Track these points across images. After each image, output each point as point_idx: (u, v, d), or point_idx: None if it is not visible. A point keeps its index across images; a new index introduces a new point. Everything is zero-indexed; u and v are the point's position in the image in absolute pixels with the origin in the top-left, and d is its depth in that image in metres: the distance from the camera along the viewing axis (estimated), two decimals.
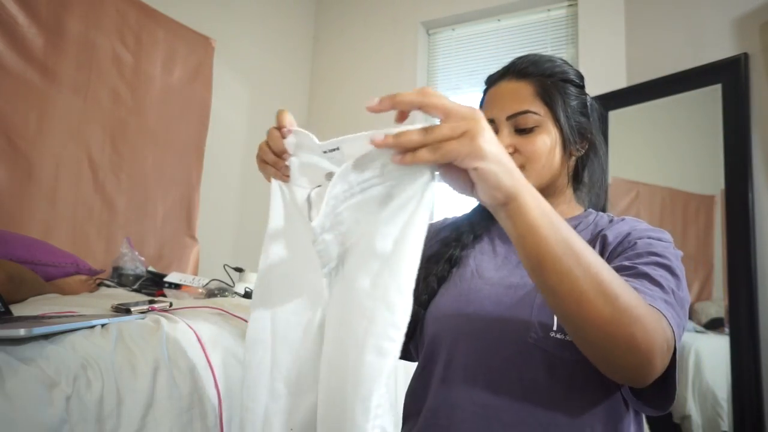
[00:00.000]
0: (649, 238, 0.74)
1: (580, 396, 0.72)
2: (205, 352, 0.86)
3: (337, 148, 0.57)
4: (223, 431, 0.84)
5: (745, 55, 1.89)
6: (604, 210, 0.90)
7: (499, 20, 2.69)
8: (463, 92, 2.76)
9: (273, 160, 0.64)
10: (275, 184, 0.66)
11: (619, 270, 0.69)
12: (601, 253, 0.77)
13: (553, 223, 0.55)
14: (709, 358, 1.89)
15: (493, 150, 0.51)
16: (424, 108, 0.51)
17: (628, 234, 0.76)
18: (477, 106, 0.90)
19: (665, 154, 2.21)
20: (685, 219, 2.08)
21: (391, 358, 0.52)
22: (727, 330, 1.81)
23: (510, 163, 0.53)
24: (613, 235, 0.77)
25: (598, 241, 0.78)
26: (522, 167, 0.81)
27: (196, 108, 2.38)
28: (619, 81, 2.27)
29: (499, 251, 0.86)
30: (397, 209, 0.55)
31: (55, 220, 1.82)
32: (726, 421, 1.79)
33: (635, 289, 0.62)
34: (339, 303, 0.61)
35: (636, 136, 2.23)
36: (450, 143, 0.49)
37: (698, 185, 2.08)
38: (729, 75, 1.91)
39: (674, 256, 0.71)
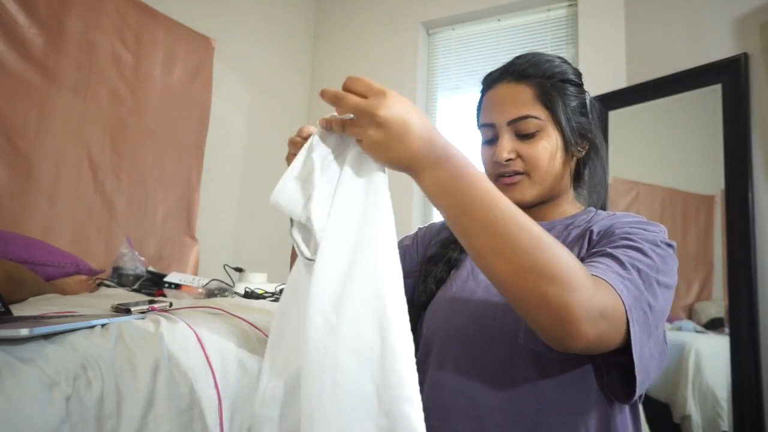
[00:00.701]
0: (631, 227, 0.73)
1: (571, 395, 0.72)
2: (204, 352, 0.86)
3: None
4: (223, 431, 0.84)
5: (745, 55, 1.89)
6: (604, 208, 0.90)
7: (499, 20, 2.69)
8: (462, 92, 2.76)
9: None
10: None
11: (590, 256, 0.69)
12: (588, 247, 0.77)
13: (448, 192, 0.58)
14: (709, 358, 1.89)
15: (383, 156, 0.58)
16: (339, 108, 0.57)
17: (611, 226, 0.76)
18: (475, 107, 0.90)
19: (665, 154, 2.20)
20: (685, 219, 2.08)
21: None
22: (727, 330, 1.81)
23: (400, 152, 0.57)
24: (597, 229, 0.78)
25: (586, 236, 0.79)
26: (526, 173, 0.81)
27: (196, 108, 2.38)
28: (619, 81, 2.27)
29: None
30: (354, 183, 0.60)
31: (55, 220, 1.82)
32: (726, 421, 1.79)
33: (591, 267, 0.63)
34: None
35: (636, 136, 2.23)
36: (361, 144, 0.58)
37: (698, 185, 2.08)
38: (729, 75, 1.91)
39: (652, 242, 0.70)
